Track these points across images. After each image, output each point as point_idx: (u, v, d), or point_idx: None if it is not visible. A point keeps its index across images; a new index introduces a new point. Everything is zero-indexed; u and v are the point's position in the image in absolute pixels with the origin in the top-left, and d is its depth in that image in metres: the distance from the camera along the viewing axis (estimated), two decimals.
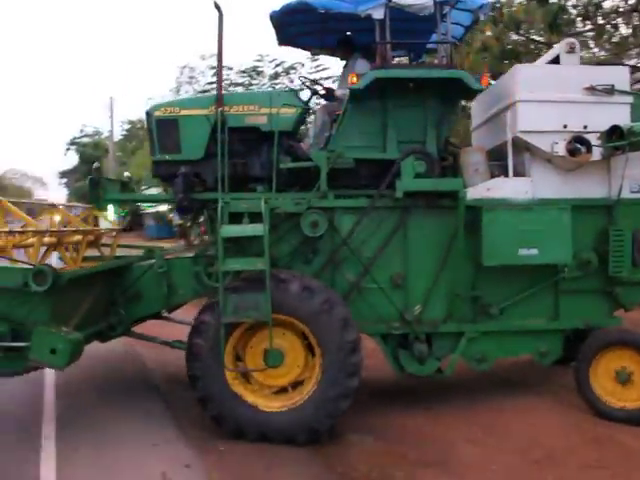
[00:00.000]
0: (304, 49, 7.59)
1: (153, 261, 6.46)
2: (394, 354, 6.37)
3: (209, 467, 5.08)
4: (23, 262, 5.60)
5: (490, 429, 5.92)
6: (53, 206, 6.66)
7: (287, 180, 6.47)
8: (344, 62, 7.25)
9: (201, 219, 6.86)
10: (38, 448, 5.39)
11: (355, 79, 6.13)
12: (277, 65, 19.35)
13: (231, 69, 19.10)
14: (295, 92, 6.53)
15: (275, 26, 6.94)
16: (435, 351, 6.35)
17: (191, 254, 6.57)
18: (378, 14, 6.21)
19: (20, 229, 6.06)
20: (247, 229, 5.82)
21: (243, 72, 19.32)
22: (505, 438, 5.71)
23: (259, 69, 19.37)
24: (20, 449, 5.39)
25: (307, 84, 7.00)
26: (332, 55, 7.53)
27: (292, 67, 18.95)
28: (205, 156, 6.45)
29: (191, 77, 21.28)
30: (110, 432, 5.79)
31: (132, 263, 6.56)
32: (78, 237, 6.83)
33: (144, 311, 6.65)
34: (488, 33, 12.72)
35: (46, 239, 6.18)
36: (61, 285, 5.03)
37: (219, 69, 6.52)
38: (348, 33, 7.23)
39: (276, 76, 18.96)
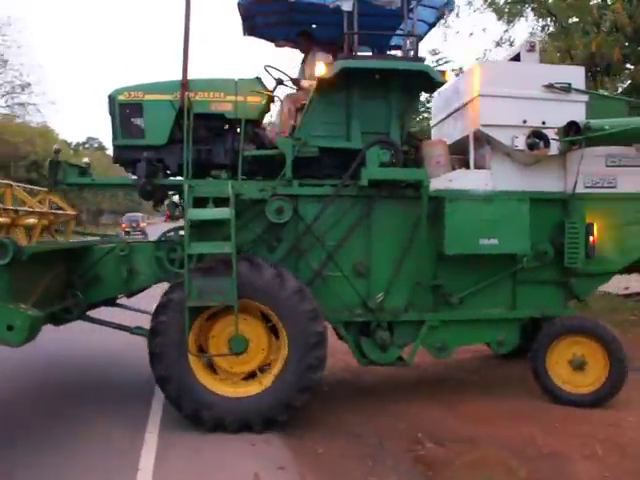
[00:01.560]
0: (268, 40, 7.60)
1: (114, 244, 6.35)
2: (356, 342, 6.42)
3: (303, 470, 4.88)
4: None
5: (609, 444, 5.32)
6: (9, 185, 6.47)
7: (251, 168, 6.47)
8: (302, 53, 7.31)
9: (164, 204, 6.77)
10: (141, 441, 5.37)
11: (324, 68, 6.19)
12: None
13: None
14: (260, 80, 6.53)
15: (242, 15, 6.94)
16: (397, 339, 6.43)
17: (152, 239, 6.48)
18: (347, 6, 6.28)
19: None
20: (214, 212, 5.79)
21: None
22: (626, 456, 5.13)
23: None
24: (124, 440, 5.37)
25: (272, 73, 7.00)
26: (295, 48, 7.56)
27: None
28: (168, 142, 6.39)
29: None
30: (212, 433, 5.64)
31: (93, 245, 6.43)
32: (33, 220, 6.66)
33: (102, 295, 6.52)
34: (620, 12, 11.83)
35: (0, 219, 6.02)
36: (22, 260, 4.87)
37: (185, 53, 6.46)
38: (313, 26, 7.29)
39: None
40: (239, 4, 6.68)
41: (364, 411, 6.26)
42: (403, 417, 6.03)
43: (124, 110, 6.38)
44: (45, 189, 6.89)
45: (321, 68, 6.23)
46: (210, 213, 5.79)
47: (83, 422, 5.80)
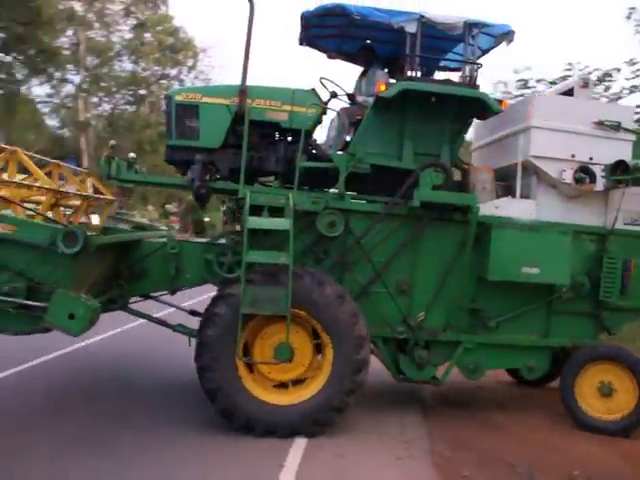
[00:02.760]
0: (322, 51, 7.66)
1: (165, 241, 6.40)
2: (393, 358, 6.55)
3: None
4: (54, 221, 5.42)
5: None
6: (58, 165, 6.47)
7: (301, 178, 6.54)
8: (361, 69, 7.39)
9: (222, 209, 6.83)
10: (291, 440, 5.61)
11: (383, 87, 6.28)
12: (589, 73, 16.88)
13: (540, 81, 17.89)
14: (315, 92, 6.61)
15: (302, 25, 7.00)
16: (433, 358, 6.56)
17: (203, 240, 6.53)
18: (411, 27, 6.40)
19: (28, 183, 5.90)
20: (274, 222, 5.86)
21: (552, 83, 17.33)
22: None
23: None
24: (273, 445, 5.51)
25: (327, 86, 7.06)
26: (349, 61, 7.64)
27: (607, 74, 17.01)
28: (222, 146, 6.45)
29: (506, 92, 19.89)
30: (360, 439, 5.81)
31: (149, 238, 6.48)
32: (77, 201, 6.68)
33: (146, 289, 6.60)
34: None
35: (43, 197, 6.03)
36: (88, 250, 4.90)
37: (245, 60, 6.53)
38: (368, 41, 7.38)
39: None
40: (303, 15, 6.75)
41: (516, 439, 6.23)
42: (557, 450, 5.93)
43: (180, 110, 6.42)
44: (86, 170, 6.90)
45: (381, 87, 6.32)
46: (270, 223, 5.87)
47: None
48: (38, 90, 36.98)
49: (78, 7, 32.45)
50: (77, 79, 33.55)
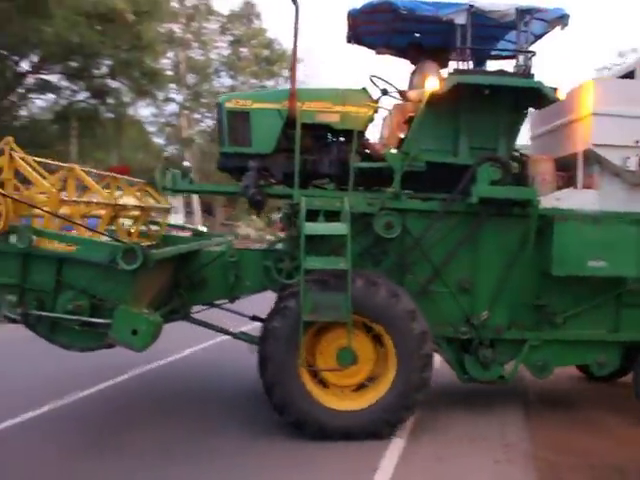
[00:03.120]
0: (370, 48, 7.54)
1: (223, 248, 6.42)
2: (458, 358, 6.42)
3: None
4: (112, 237, 5.49)
5: None
6: (115, 178, 6.54)
7: (356, 179, 6.45)
8: (411, 64, 7.25)
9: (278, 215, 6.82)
10: (387, 443, 5.61)
11: (435, 82, 6.14)
12: None
13: None
14: (366, 91, 6.50)
15: (349, 24, 6.90)
16: (498, 357, 6.41)
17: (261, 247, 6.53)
18: (460, 19, 6.24)
19: (87, 199, 5.98)
20: (330, 227, 5.80)
21: None
22: None
23: None
24: (369, 448, 5.52)
25: (377, 83, 6.94)
26: (398, 56, 7.50)
27: None
28: (275, 150, 6.41)
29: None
30: (458, 441, 5.78)
31: (205, 247, 6.51)
32: (136, 212, 6.75)
33: (206, 298, 6.62)
34: None
35: (103, 211, 6.10)
36: (148, 265, 4.93)
37: (293, 63, 6.48)
38: (417, 35, 7.22)
39: None
40: (350, 13, 6.64)
41: (622, 440, 5.98)
42: None
43: (232, 118, 6.41)
44: (142, 181, 6.99)
45: (434, 82, 6.17)
46: (327, 228, 5.81)
47: None
48: (144, 111, 38.71)
49: (177, 29, 34.05)
50: (179, 97, 35.08)
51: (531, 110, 7.26)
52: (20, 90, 24.98)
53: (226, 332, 6.85)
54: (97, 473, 4.83)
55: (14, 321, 5.22)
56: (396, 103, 6.83)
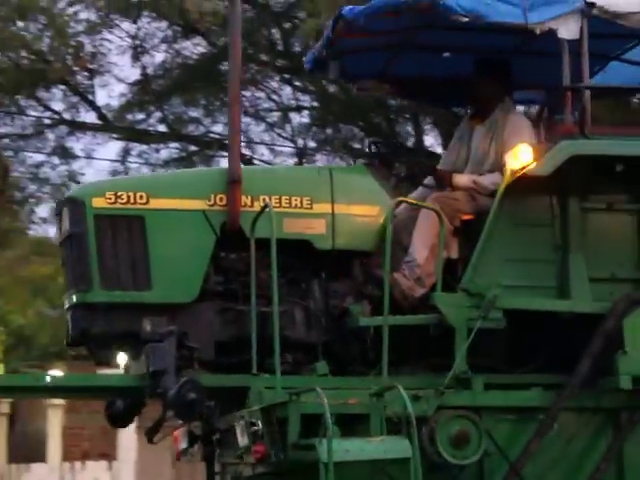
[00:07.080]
0: (350, 79, 4.34)
1: None
2: None
3: None
4: None
5: None
6: None
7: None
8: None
9: None
10: None
11: (533, 156, 3.03)
12: None
13: None
14: (368, 170, 3.38)
15: (335, 33, 3.64)
16: None
17: None
18: (569, 31, 3.17)
19: None
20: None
21: None
22: None
23: None
24: None
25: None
26: (402, 96, 4.36)
27: None
28: (199, 296, 3.16)
29: None
30: None
31: None
32: None
33: None
34: None
35: None
36: None
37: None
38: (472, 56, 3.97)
39: None
40: (341, 16, 3.41)
41: None
42: None
43: (105, 230, 3.16)
44: None
45: (526, 155, 3.06)
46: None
47: None
48: None
49: None
50: None
51: None
52: None
53: None
54: None
55: None
56: (431, 194, 3.59)
